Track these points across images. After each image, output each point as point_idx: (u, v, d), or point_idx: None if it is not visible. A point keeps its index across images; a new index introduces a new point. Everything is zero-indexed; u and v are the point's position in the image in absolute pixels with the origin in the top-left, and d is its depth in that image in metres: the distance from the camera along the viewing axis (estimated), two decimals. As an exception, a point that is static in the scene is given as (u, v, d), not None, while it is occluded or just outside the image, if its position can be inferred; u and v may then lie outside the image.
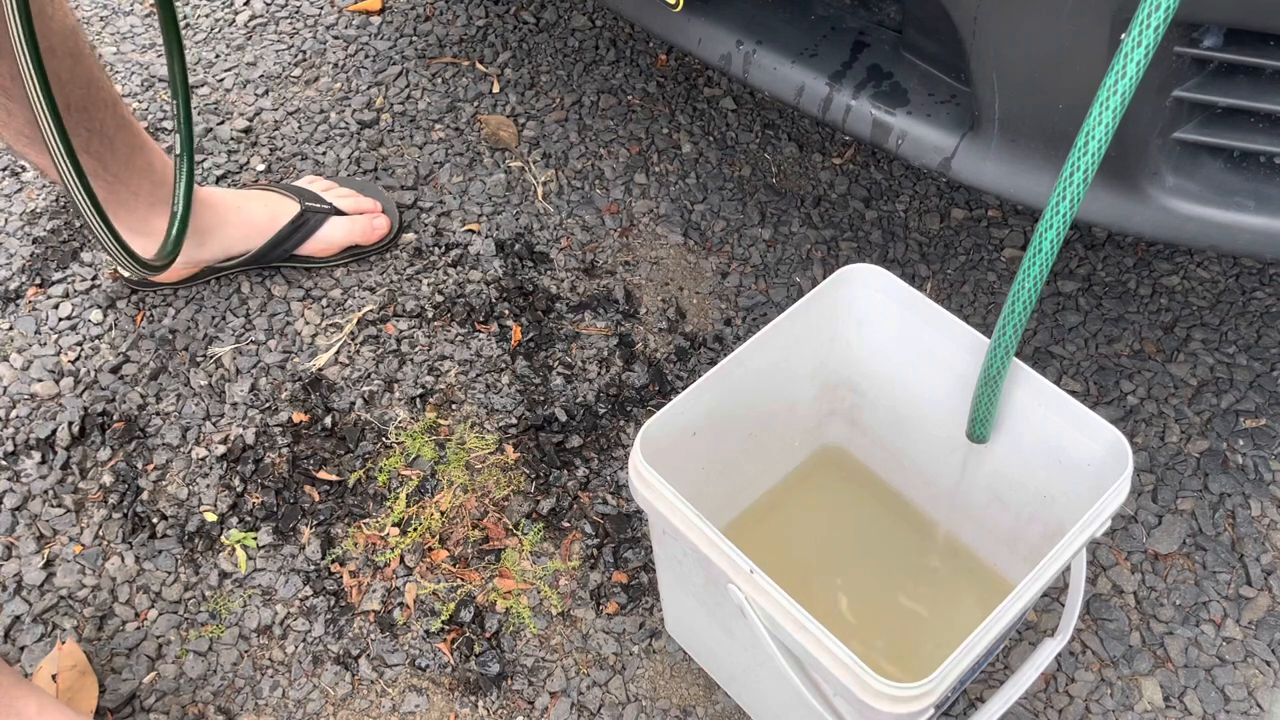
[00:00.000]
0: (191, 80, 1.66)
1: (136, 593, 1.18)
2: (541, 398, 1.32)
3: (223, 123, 1.62)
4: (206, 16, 1.78)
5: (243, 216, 1.38)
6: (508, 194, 1.53)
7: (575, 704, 1.11)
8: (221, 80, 1.68)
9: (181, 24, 0.79)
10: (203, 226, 1.34)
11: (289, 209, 1.41)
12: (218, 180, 1.55)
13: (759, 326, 1.27)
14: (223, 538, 1.22)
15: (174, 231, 1.20)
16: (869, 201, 1.52)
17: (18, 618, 1.16)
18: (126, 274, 1.40)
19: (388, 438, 1.29)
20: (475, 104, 1.64)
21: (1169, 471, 1.26)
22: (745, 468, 1.11)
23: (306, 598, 1.18)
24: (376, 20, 1.77)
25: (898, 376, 1.05)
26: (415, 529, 1.22)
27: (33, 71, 0.87)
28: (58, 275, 1.44)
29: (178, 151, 1.23)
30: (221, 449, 1.28)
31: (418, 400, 1.32)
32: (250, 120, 1.62)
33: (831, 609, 1.11)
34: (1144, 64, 0.67)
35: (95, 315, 1.40)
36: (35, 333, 1.39)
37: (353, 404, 1.32)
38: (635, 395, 1.33)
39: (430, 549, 1.21)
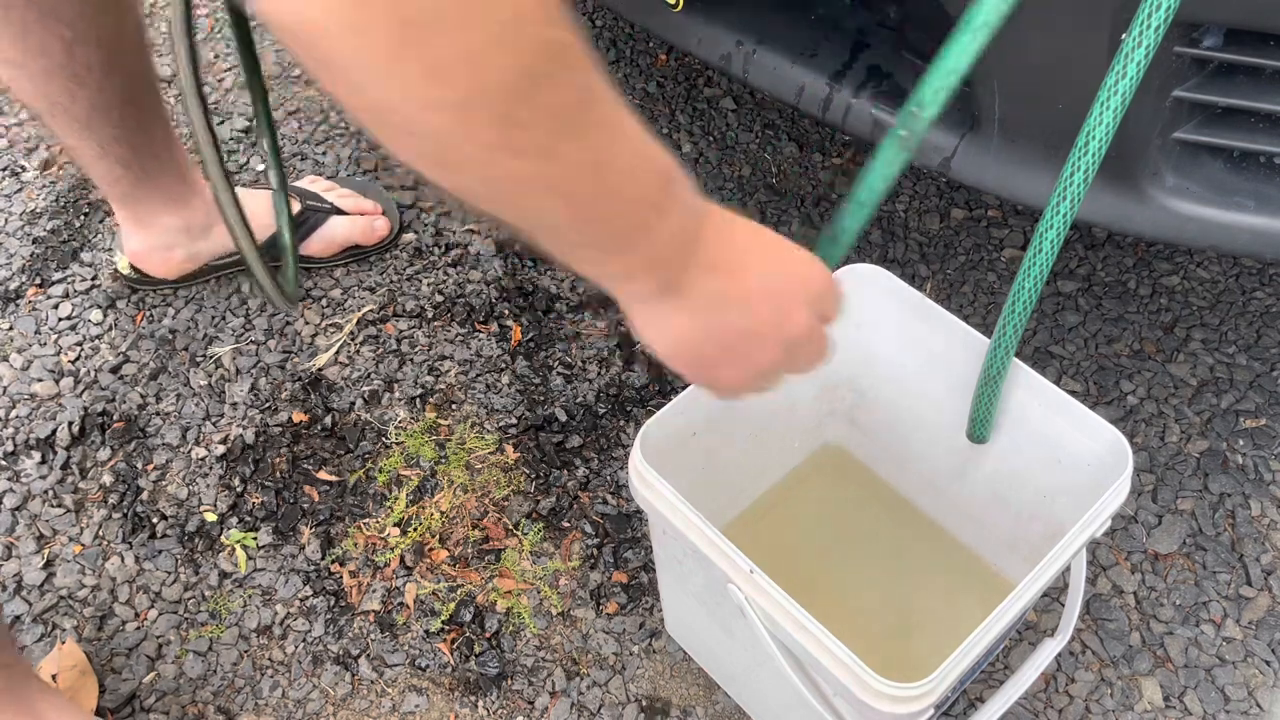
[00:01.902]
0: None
1: (136, 593, 1.18)
2: (541, 398, 1.32)
3: (223, 123, 1.62)
4: (206, 16, 1.78)
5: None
6: (508, 194, 1.53)
7: (575, 704, 1.11)
8: (222, 80, 1.68)
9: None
10: (204, 223, 1.34)
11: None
12: (218, 180, 1.55)
13: (759, 326, 1.27)
14: (223, 538, 1.22)
15: (291, 263, 1.12)
16: (869, 201, 1.52)
17: (18, 618, 1.16)
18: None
19: (388, 438, 1.29)
20: (475, 104, 1.64)
21: (1169, 471, 1.26)
22: (745, 468, 1.11)
23: (306, 598, 1.18)
24: (376, 20, 1.76)
25: (898, 376, 1.05)
26: (415, 529, 1.22)
27: (193, 82, 0.81)
28: (58, 275, 1.44)
29: (274, 187, 1.15)
30: (221, 449, 1.28)
31: (418, 400, 1.32)
32: (250, 120, 1.62)
33: (831, 609, 1.11)
34: (1144, 64, 0.67)
35: (95, 315, 1.40)
36: (35, 333, 1.39)
37: (353, 404, 1.32)
38: (635, 395, 1.33)
39: (430, 549, 1.21)
